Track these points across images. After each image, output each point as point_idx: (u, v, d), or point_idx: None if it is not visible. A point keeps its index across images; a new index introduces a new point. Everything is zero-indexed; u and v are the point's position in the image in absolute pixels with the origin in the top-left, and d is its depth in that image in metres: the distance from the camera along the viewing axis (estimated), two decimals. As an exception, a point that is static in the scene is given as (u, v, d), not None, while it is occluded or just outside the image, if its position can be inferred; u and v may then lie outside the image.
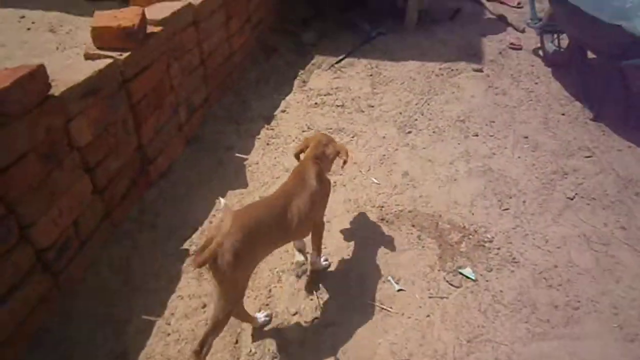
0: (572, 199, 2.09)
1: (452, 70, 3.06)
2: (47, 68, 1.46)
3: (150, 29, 1.99)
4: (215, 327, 1.37)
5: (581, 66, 2.83)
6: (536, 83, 2.97)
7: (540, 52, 3.24)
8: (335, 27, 3.53)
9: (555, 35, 3.10)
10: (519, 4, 3.99)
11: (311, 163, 1.60)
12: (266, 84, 2.91)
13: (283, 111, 2.68)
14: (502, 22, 3.70)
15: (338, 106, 2.71)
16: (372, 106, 2.72)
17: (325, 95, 2.80)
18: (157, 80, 2.04)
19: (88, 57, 1.83)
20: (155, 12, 2.08)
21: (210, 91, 2.55)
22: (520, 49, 3.32)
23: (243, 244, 1.34)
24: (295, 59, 3.17)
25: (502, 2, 4.02)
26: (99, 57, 1.81)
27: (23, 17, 3.44)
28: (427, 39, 3.41)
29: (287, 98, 2.79)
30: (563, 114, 2.73)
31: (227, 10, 2.60)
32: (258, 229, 1.40)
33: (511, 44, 3.32)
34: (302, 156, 1.67)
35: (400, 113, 2.67)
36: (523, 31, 3.52)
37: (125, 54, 1.82)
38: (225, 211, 1.49)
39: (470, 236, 1.90)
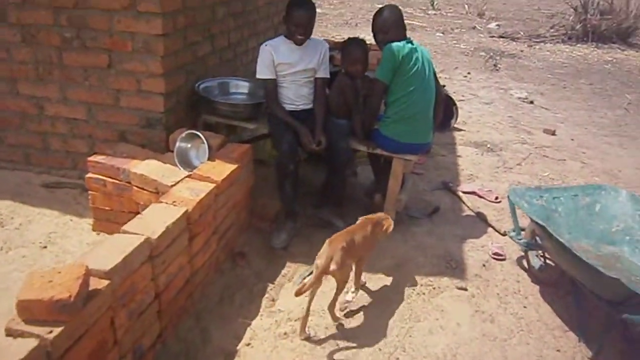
0: None
1: (435, 288, 2.83)
2: None
3: (95, 283, 1.71)
4: (336, 296, 2.43)
5: (577, 295, 2.62)
6: (525, 307, 2.75)
7: (526, 264, 3.07)
8: (309, 225, 3.34)
9: (541, 251, 2.95)
10: (496, 198, 3.93)
11: (372, 221, 2.65)
12: (230, 302, 2.61)
13: (247, 344, 2.35)
14: (482, 221, 3.58)
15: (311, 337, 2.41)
16: (348, 339, 2.43)
17: (296, 320, 2.50)
18: (95, 343, 1.72)
19: (9, 333, 1.52)
20: (103, 260, 1.82)
21: (165, 325, 2.24)
22: (504, 259, 3.15)
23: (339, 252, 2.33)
24: (264, 267, 2.92)
25: (480, 196, 3.96)
26: (23, 334, 1.50)
27: (-29, 205, 3.18)
28: (405, 243, 3.23)
29: (254, 324, 2.48)
30: (558, 350, 2.47)
31: (190, 230, 2.37)
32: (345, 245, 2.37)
33: (494, 254, 3.16)
34: None
35: (380, 349, 2.38)
36: (504, 234, 3.38)
37: (57, 330, 1.52)
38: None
39: None
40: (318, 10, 11.58)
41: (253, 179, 3.17)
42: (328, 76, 3.29)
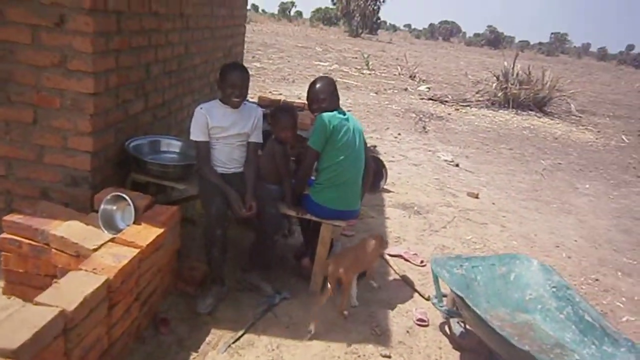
0: None
1: (359, 356, 2.85)
2: None
3: (-1, 365, 1.61)
4: (344, 298, 3.13)
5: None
6: (446, 374, 2.82)
7: (448, 330, 3.15)
8: (236, 289, 3.30)
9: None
10: (422, 262, 4.05)
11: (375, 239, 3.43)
12: (150, 375, 2.51)
13: (165, 420, 2.26)
14: (407, 286, 3.67)
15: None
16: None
17: (217, 392, 2.44)
18: None
19: None
20: (10, 336, 1.71)
21: (75, 402, 2.11)
22: (427, 325, 3.22)
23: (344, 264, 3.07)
24: (188, 334, 2.83)
25: (406, 260, 4.07)
26: None
27: None
28: (332, 309, 3.24)
29: (173, 397, 2.39)
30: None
31: (110, 299, 2.29)
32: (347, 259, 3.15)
33: (418, 319, 3.23)
34: None
35: (303, 423, 2.35)
36: (428, 299, 3.48)
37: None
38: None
39: None
40: (257, 64, 11.89)
41: (179, 241, 3.12)
42: (261, 141, 3.35)
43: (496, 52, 55.53)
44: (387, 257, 4.04)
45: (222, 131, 3.18)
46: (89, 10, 2.79)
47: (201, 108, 3.20)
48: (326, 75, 3.58)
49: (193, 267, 3.28)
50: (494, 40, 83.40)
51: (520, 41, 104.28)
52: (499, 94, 13.19)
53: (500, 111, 12.58)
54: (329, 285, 3.11)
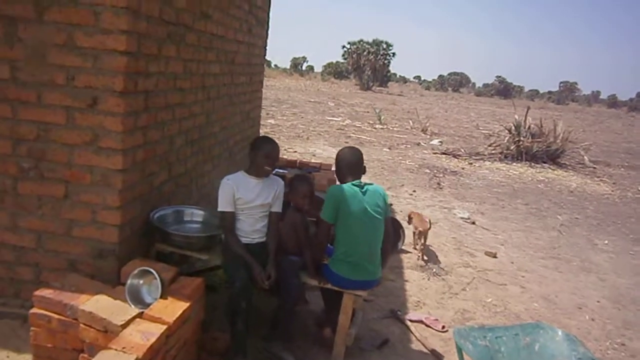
0: None
1: None
2: None
3: None
4: (424, 246, 5.49)
5: None
6: None
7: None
8: (258, 359, 3.29)
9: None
10: (443, 327, 4.02)
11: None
12: None
13: None
14: (430, 354, 3.64)
15: None
16: None
17: None
18: None
19: None
20: None
21: None
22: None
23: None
24: (211, 409, 2.83)
25: (427, 325, 4.04)
26: None
27: None
28: (355, 380, 3.22)
29: None
30: None
31: (138, 377, 2.31)
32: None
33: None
34: None
35: None
36: (453, 370, 3.43)
37: None
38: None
39: None
40: (271, 121, 12.16)
41: (203, 313, 3.15)
42: (281, 211, 3.44)
43: (506, 102, 56.22)
44: (408, 322, 4.02)
45: (248, 202, 3.28)
46: (120, 93, 2.95)
47: (228, 180, 3.31)
48: (352, 146, 3.69)
49: (215, 337, 3.29)
50: (504, 90, 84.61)
51: (529, 90, 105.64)
52: (512, 147, 13.29)
53: (514, 164, 12.64)
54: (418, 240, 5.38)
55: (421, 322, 4.09)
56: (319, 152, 11.15)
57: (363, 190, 3.29)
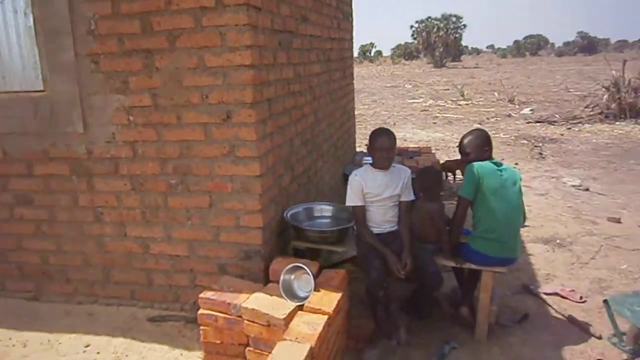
0: None
1: (546, 403, 2.84)
2: None
3: None
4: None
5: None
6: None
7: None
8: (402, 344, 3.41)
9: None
10: (581, 298, 3.94)
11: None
12: None
13: None
14: (573, 325, 3.59)
15: None
16: None
17: None
18: None
19: None
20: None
21: None
22: (609, 366, 3.14)
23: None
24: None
25: (563, 297, 3.98)
26: None
27: (88, 345, 3.39)
28: (502, 356, 3.25)
29: None
30: None
31: None
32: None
33: (597, 361, 3.15)
34: None
35: None
36: (600, 338, 3.38)
37: None
38: None
39: None
40: (355, 112, 11.87)
41: (349, 302, 3.32)
42: (412, 199, 3.51)
43: (592, 58, 52.69)
44: (543, 296, 3.98)
45: (376, 195, 3.39)
46: (250, 104, 3.16)
47: (356, 175, 3.44)
48: (477, 128, 3.70)
49: (359, 325, 3.45)
50: (588, 45, 79.29)
51: (617, 41, 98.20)
52: (613, 105, 12.51)
53: (617, 123, 11.91)
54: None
55: (557, 294, 4.02)
56: (410, 137, 11.11)
57: (499, 168, 3.32)
